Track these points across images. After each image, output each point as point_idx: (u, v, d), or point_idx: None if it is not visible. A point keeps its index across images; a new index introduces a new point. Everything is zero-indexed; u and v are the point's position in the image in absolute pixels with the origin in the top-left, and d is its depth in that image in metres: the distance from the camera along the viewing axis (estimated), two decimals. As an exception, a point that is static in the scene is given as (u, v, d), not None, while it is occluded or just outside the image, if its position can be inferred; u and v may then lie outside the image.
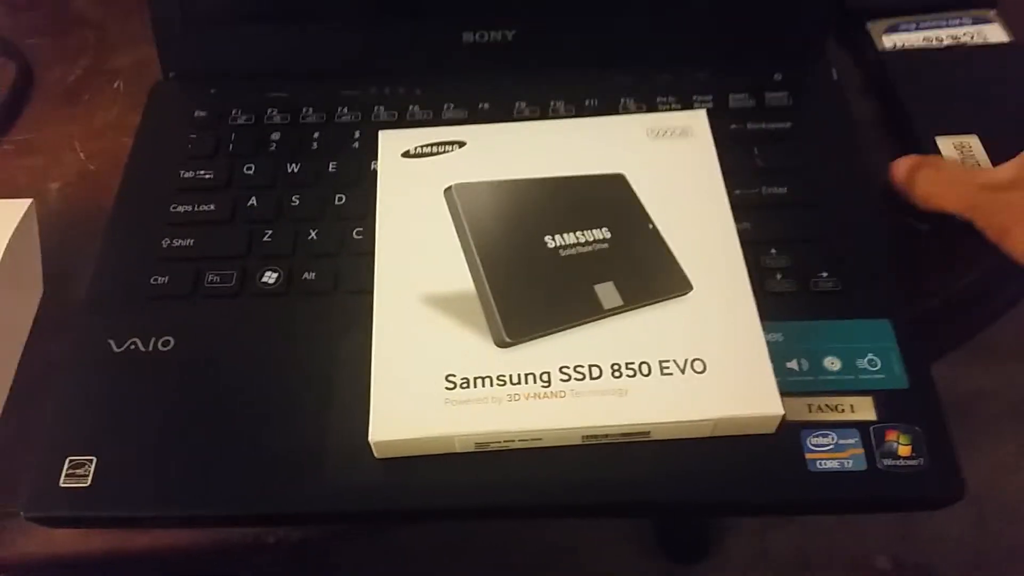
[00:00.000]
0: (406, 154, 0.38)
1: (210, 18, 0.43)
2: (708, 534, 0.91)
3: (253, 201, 0.39)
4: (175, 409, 0.33)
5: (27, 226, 0.38)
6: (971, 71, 0.44)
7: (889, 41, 0.45)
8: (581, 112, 0.42)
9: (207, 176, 0.40)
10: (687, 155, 0.38)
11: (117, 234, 0.39)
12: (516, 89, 0.43)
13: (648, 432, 0.31)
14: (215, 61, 0.44)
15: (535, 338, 0.32)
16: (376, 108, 0.43)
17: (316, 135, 0.42)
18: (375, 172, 0.38)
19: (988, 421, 0.95)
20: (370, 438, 0.31)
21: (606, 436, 0.31)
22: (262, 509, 0.32)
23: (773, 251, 0.37)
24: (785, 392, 0.31)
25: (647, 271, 0.34)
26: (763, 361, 0.32)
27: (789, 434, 0.32)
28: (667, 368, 0.32)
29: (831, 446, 0.32)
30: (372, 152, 0.39)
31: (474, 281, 0.33)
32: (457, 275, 0.34)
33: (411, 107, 0.43)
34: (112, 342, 0.35)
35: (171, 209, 0.39)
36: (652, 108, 0.42)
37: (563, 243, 0.35)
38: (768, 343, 0.32)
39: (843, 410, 0.32)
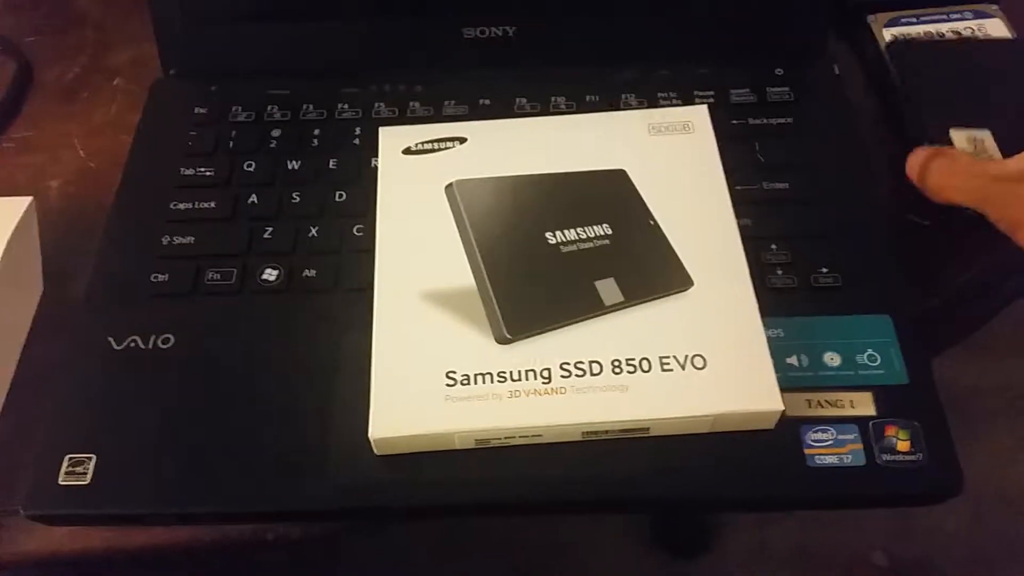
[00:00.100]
0: (407, 151, 0.38)
1: (210, 15, 0.43)
2: (707, 528, 0.91)
3: (253, 198, 0.39)
4: (175, 407, 0.33)
5: (27, 224, 0.38)
6: (979, 64, 0.43)
7: (890, 35, 0.45)
8: (582, 108, 0.42)
9: (207, 173, 0.40)
10: (688, 151, 0.38)
11: (117, 232, 0.39)
12: (517, 85, 0.43)
13: (648, 428, 0.31)
14: (215, 58, 0.44)
15: (536, 334, 0.32)
16: (376, 105, 0.43)
17: (316, 132, 0.42)
18: (375, 169, 0.38)
19: (986, 416, 0.96)
20: (370, 435, 0.31)
21: (606, 432, 0.31)
22: (262, 507, 0.32)
23: (774, 247, 0.37)
24: (785, 388, 0.31)
25: (648, 267, 0.34)
26: (763, 357, 0.32)
27: (789, 429, 0.32)
28: (667, 364, 0.32)
29: (830, 441, 0.32)
30: (372, 149, 0.39)
31: (475, 277, 0.33)
32: (458, 272, 0.34)
33: (411, 103, 0.42)
34: (112, 340, 0.35)
35: (171, 206, 0.39)
36: (653, 104, 0.42)
37: (564, 239, 0.35)
38: (768, 339, 0.32)
39: (842, 405, 0.32)
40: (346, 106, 0.43)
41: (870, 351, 0.34)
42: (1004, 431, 0.96)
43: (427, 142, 0.38)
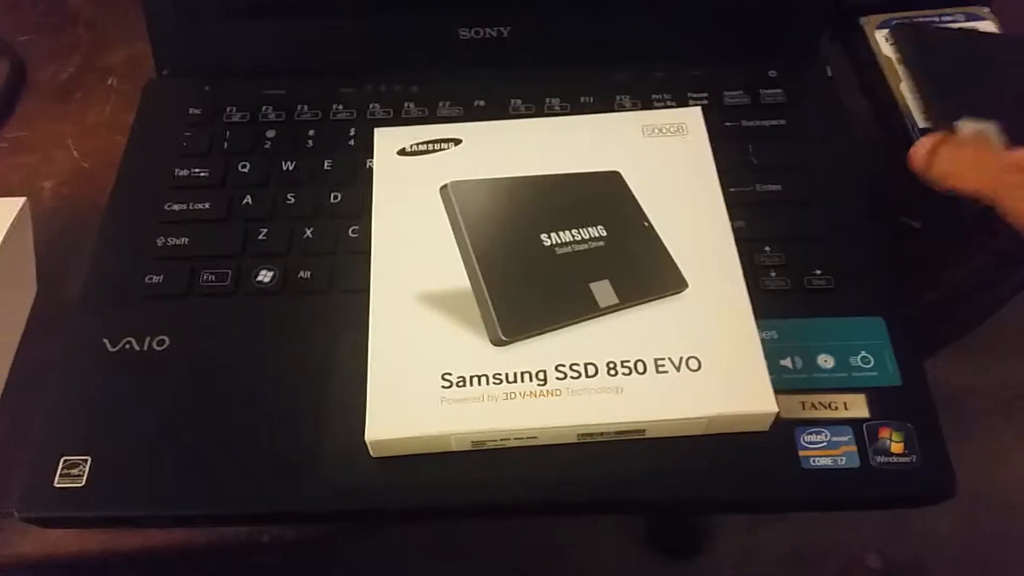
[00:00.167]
0: (402, 152, 0.38)
1: (204, 15, 0.43)
2: (702, 530, 0.91)
3: (248, 199, 0.39)
4: (170, 409, 0.33)
5: (21, 225, 0.38)
6: (985, 55, 0.43)
7: (882, 37, 0.45)
8: (577, 109, 0.42)
9: (202, 174, 0.40)
10: (682, 152, 0.38)
11: (111, 232, 0.39)
12: (512, 86, 0.43)
13: (643, 430, 0.31)
14: (209, 58, 0.44)
15: (531, 336, 0.32)
16: (371, 106, 0.43)
17: (311, 133, 0.42)
18: (370, 170, 0.38)
19: (979, 417, 0.96)
20: (366, 437, 0.31)
21: (602, 434, 0.31)
22: (257, 509, 0.32)
23: (767, 249, 0.37)
24: (779, 389, 0.31)
25: (643, 269, 0.34)
26: (757, 359, 0.32)
27: (783, 431, 0.32)
28: (662, 366, 0.32)
29: (824, 443, 0.32)
30: (367, 150, 0.39)
31: (470, 279, 0.33)
32: (453, 273, 0.34)
33: (406, 104, 0.42)
34: (107, 341, 0.35)
35: (165, 207, 0.39)
36: (647, 105, 0.42)
37: (559, 241, 0.35)
38: (762, 341, 0.32)
39: (836, 407, 0.33)
40: (341, 107, 0.43)
41: (863, 353, 0.34)
42: (998, 432, 0.96)
43: (422, 143, 0.38)
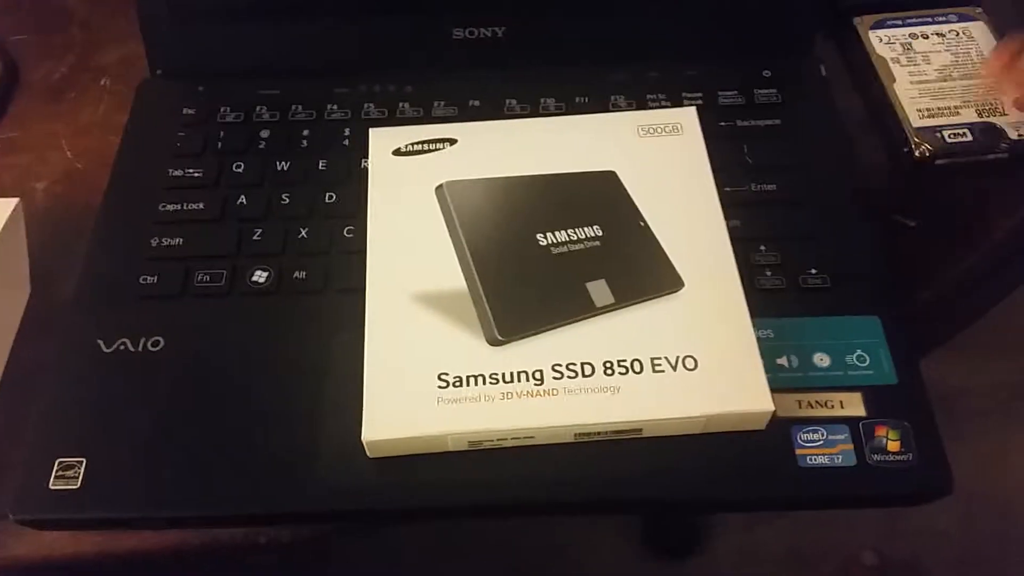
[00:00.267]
0: (397, 152, 0.38)
1: (198, 15, 0.43)
2: (699, 529, 0.91)
3: (242, 199, 0.39)
4: (165, 410, 0.33)
5: (14, 226, 0.38)
6: None
7: (876, 37, 0.46)
8: (572, 109, 0.42)
9: (196, 174, 0.40)
10: (677, 152, 0.38)
11: (105, 233, 0.39)
12: (507, 86, 0.43)
13: (640, 429, 0.31)
14: (203, 58, 0.44)
15: (527, 336, 0.32)
16: (366, 106, 0.42)
17: (306, 133, 0.42)
18: (365, 170, 0.38)
19: (975, 416, 0.96)
20: (363, 437, 0.31)
21: (598, 434, 0.31)
22: (253, 510, 0.32)
23: (763, 248, 0.37)
24: (775, 388, 0.31)
25: (638, 268, 0.34)
26: (753, 358, 0.32)
27: (779, 430, 0.32)
28: (659, 365, 0.32)
29: (821, 442, 0.32)
30: (362, 150, 0.39)
31: (466, 279, 0.33)
32: (449, 273, 0.34)
33: (401, 104, 0.42)
34: (101, 342, 0.35)
35: (160, 208, 0.39)
36: (642, 105, 0.42)
37: (555, 241, 0.35)
38: (758, 340, 0.32)
39: (833, 406, 0.33)
40: (335, 107, 0.42)
41: (859, 351, 0.34)
42: (994, 430, 0.97)
43: (417, 143, 0.38)
